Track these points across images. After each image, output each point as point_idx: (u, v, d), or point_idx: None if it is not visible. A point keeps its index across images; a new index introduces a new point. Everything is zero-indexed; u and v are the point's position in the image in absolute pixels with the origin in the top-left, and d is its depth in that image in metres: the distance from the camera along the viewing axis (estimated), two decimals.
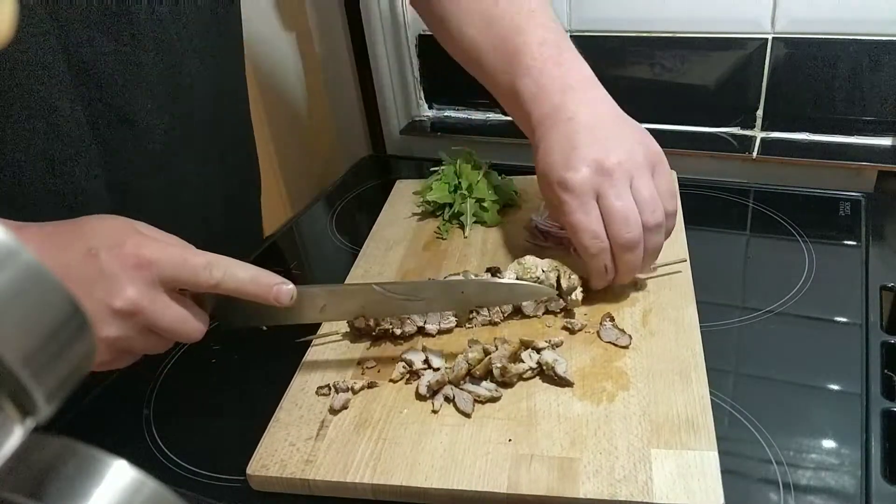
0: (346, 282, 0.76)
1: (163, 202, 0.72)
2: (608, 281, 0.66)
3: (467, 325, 0.67)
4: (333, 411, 0.60)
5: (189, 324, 0.54)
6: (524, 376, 0.60)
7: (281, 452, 0.57)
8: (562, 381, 0.59)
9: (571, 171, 0.62)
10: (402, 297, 0.61)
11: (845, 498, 0.52)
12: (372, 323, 0.65)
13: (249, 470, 0.56)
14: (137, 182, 0.69)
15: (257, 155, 0.90)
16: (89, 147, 0.64)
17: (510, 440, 0.55)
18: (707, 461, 0.51)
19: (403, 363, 0.62)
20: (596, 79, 0.69)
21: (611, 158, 0.61)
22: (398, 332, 0.66)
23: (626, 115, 0.67)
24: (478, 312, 0.67)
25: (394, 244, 0.82)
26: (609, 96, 0.68)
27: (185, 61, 0.70)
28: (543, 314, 0.67)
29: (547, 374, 0.59)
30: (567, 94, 0.66)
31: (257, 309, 0.57)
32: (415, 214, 0.87)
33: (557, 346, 0.62)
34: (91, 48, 0.61)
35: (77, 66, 0.61)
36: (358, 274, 0.78)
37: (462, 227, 0.81)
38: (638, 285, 0.69)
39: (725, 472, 0.54)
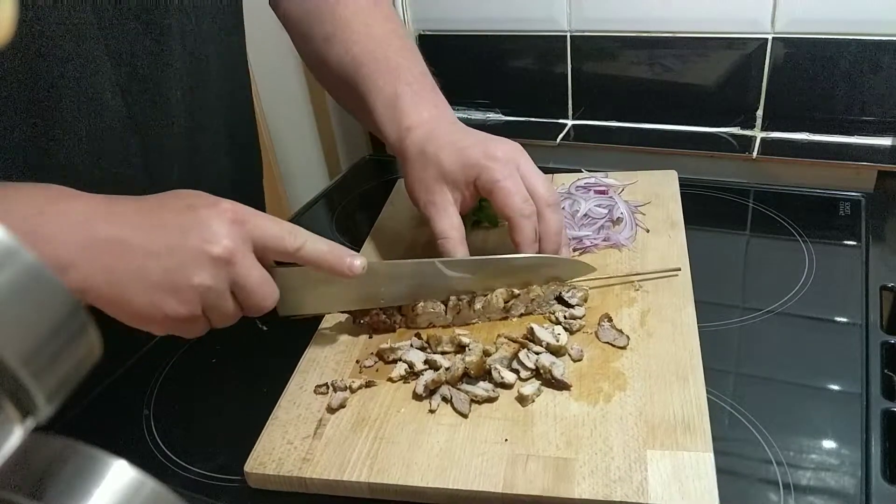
0: None
1: (189, 183, 0.74)
2: (535, 250, 0.67)
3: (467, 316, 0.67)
4: (331, 410, 0.60)
5: (268, 287, 0.56)
6: (522, 377, 0.59)
7: (278, 450, 0.57)
8: (559, 384, 0.58)
9: (495, 145, 0.67)
10: (463, 275, 0.65)
11: (845, 498, 0.52)
12: (384, 316, 0.67)
13: (247, 468, 0.56)
14: (168, 163, 0.72)
15: (259, 141, 0.90)
16: (130, 136, 0.66)
17: (506, 440, 0.55)
18: (703, 462, 0.51)
19: (405, 364, 0.62)
20: None
21: (515, 143, 0.69)
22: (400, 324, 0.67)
23: None
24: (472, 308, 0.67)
25: (394, 242, 0.82)
26: None
27: (203, 49, 0.72)
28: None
29: (544, 377, 0.59)
30: (440, 109, 0.73)
31: (314, 293, 0.63)
32: (415, 213, 0.87)
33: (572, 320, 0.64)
34: (127, 38, 0.63)
35: (116, 56, 0.63)
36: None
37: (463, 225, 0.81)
38: (636, 285, 0.69)
39: (725, 472, 0.54)
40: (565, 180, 0.87)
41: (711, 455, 0.51)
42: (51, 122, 0.60)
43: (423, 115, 0.71)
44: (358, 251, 0.82)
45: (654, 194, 0.84)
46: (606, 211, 0.79)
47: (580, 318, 0.65)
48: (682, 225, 0.78)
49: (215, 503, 0.57)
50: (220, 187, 0.80)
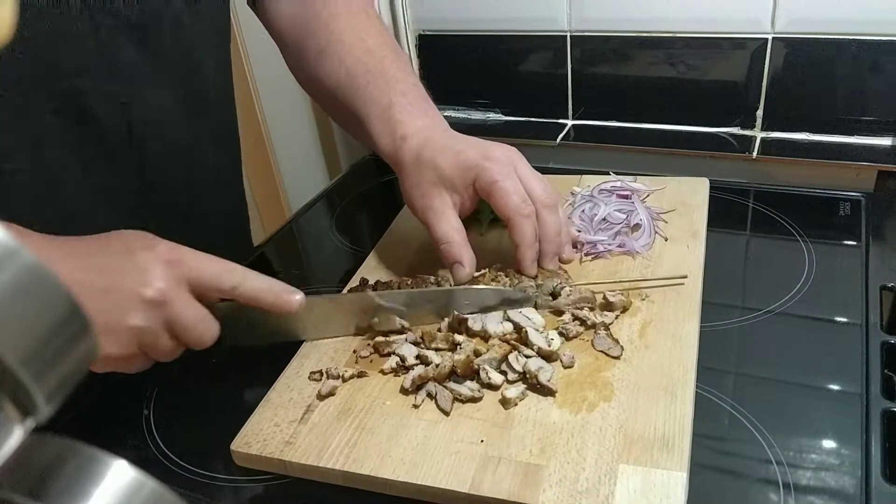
0: (359, 270, 0.77)
1: (183, 196, 0.75)
2: (535, 254, 0.67)
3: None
4: (321, 397, 0.60)
5: (206, 324, 0.57)
6: (509, 379, 0.59)
7: (265, 432, 0.58)
8: (544, 390, 0.58)
9: (491, 148, 0.68)
10: (397, 307, 0.65)
11: (845, 498, 0.52)
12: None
13: (233, 446, 0.57)
14: (162, 178, 0.72)
15: (240, 143, 0.90)
16: (123, 141, 0.66)
17: (482, 441, 0.55)
18: (674, 482, 0.50)
19: (398, 357, 0.62)
20: None
21: (511, 147, 0.69)
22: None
23: None
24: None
25: (410, 238, 0.82)
26: None
27: (193, 59, 0.72)
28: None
29: (530, 382, 0.59)
30: (434, 118, 0.73)
31: (259, 325, 0.62)
32: None
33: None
34: (122, 50, 0.63)
35: (111, 67, 0.62)
36: (371, 265, 0.78)
37: (480, 223, 0.81)
38: (642, 294, 0.68)
39: (725, 472, 0.54)
40: (591, 182, 0.86)
41: (685, 475, 0.50)
42: (45, 135, 0.60)
43: (417, 123, 0.71)
44: (359, 251, 0.82)
45: (681, 202, 0.81)
46: (625, 216, 0.77)
47: (581, 324, 0.64)
48: (704, 236, 0.75)
49: (215, 503, 0.57)
50: (209, 191, 0.79)
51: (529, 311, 0.65)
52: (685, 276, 0.69)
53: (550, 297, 0.68)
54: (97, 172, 0.65)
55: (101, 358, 0.53)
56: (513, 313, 0.65)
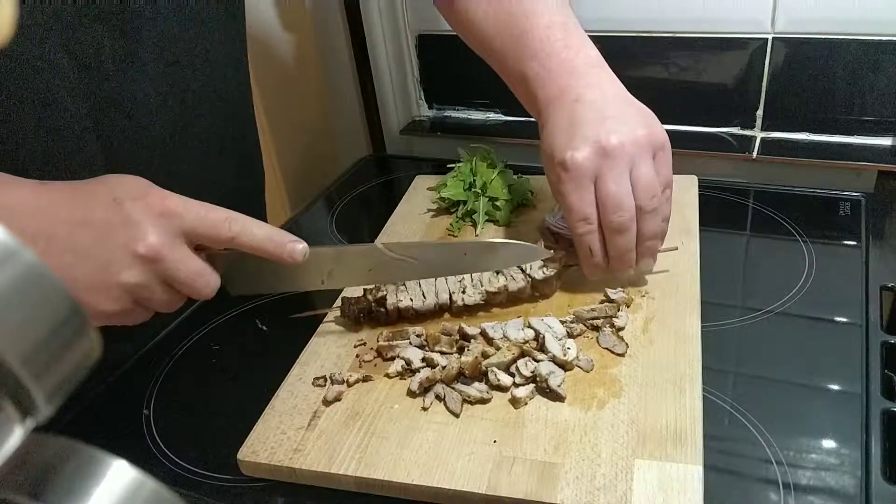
0: None
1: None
2: (600, 267, 0.66)
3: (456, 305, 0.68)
4: (326, 402, 0.60)
5: (204, 278, 0.55)
6: (517, 382, 0.59)
7: (272, 440, 0.57)
8: (553, 395, 0.58)
9: (572, 150, 0.62)
10: (406, 258, 0.63)
11: (845, 498, 0.52)
12: (370, 297, 0.67)
13: (240, 455, 0.57)
14: (137, 171, 0.69)
15: (261, 150, 0.89)
16: (90, 142, 0.64)
17: (495, 441, 0.55)
18: (690, 475, 0.51)
19: (403, 361, 0.62)
20: (603, 60, 0.69)
21: (612, 139, 0.62)
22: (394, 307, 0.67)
23: (632, 97, 0.67)
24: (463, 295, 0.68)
25: (405, 239, 0.82)
26: (616, 78, 0.68)
27: (186, 55, 0.70)
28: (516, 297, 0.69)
29: (539, 385, 0.59)
30: (573, 76, 0.66)
31: (265, 274, 0.60)
32: (430, 210, 0.87)
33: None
34: (93, 43, 0.62)
35: (79, 60, 0.61)
36: None
37: (474, 224, 0.82)
38: (642, 291, 0.68)
39: (725, 472, 0.54)
40: None
41: (700, 468, 0.51)
42: (8, 132, 0.58)
43: (550, 91, 0.67)
44: None
45: (672, 200, 0.82)
46: None
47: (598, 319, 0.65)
48: (697, 233, 0.76)
49: (215, 503, 0.57)
50: (207, 198, 0.78)
51: (551, 320, 0.65)
52: (676, 248, 0.70)
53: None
54: (60, 170, 0.63)
55: (97, 313, 0.52)
56: (534, 320, 0.65)
